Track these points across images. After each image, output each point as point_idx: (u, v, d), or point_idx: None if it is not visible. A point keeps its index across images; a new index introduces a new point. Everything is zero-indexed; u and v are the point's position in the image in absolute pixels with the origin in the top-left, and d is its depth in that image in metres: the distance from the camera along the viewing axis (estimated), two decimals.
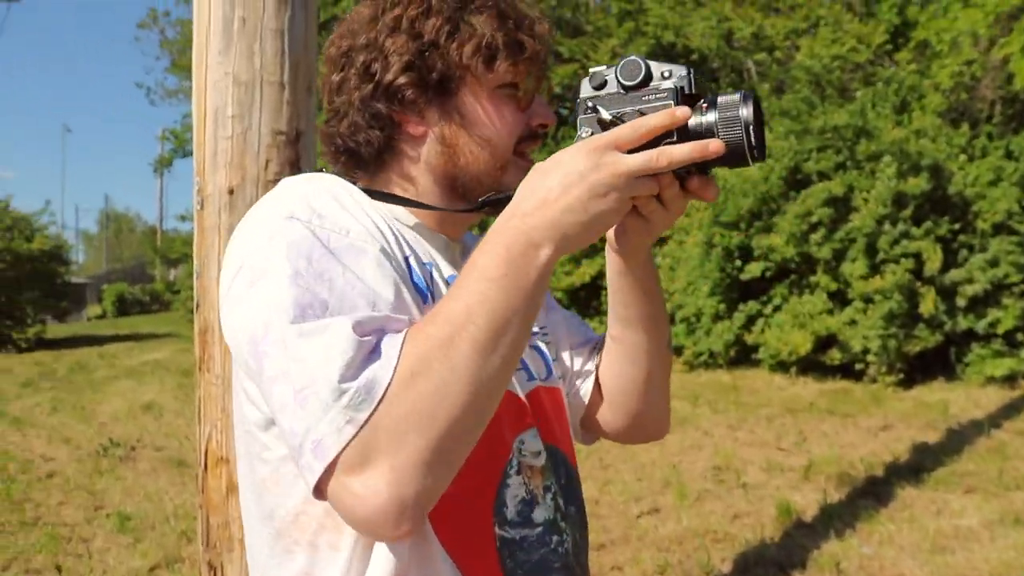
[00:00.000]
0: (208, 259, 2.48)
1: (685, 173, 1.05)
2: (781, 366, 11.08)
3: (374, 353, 0.92)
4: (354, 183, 1.22)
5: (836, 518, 5.34)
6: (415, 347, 0.92)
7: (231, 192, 2.45)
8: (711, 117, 1.03)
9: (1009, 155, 10.86)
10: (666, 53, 14.04)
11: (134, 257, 62.56)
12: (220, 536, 2.50)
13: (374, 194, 1.19)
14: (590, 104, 1.08)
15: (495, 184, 1.17)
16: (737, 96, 1.03)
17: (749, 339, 11.51)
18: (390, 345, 0.92)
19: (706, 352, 11.79)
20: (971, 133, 11.15)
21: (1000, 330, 10.04)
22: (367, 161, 1.22)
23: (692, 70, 1.08)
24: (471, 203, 1.18)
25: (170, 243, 37.07)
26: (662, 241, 13.04)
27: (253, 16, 2.40)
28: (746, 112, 1.01)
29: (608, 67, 1.10)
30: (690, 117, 1.02)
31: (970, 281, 10.09)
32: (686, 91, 1.06)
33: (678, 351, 12.42)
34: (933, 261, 9.95)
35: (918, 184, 10.06)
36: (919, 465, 6.52)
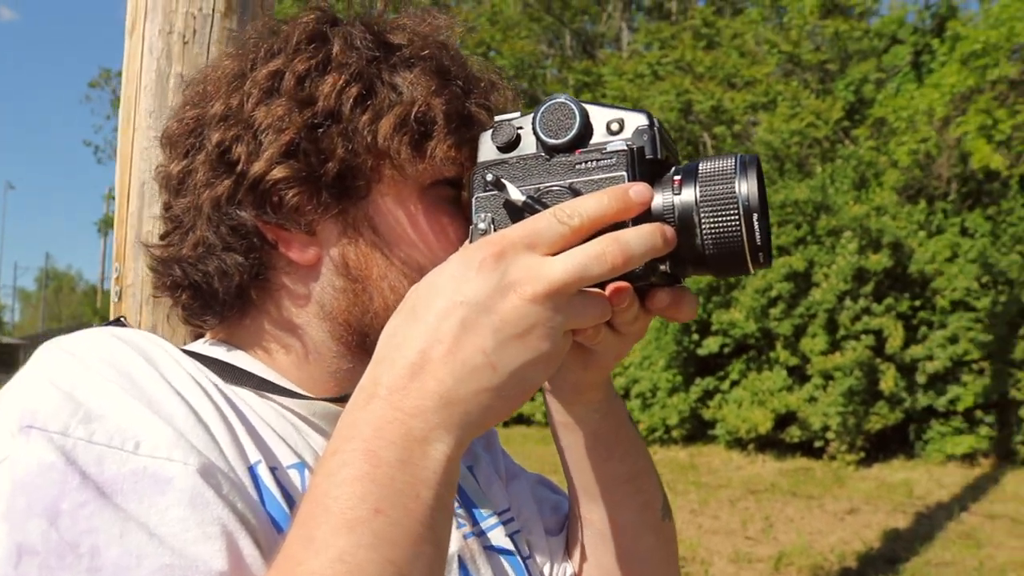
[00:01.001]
0: None
1: (647, 285, 0.67)
2: (738, 443, 10.85)
3: None
4: (201, 335, 0.83)
5: None
6: None
7: None
8: (689, 195, 0.65)
9: (964, 232, 10.91)
10: None
11: (73, 316, 61.05)
12: None
13: (209, 364, 0.75)
14: (490, 176, 0.69)
15: None
16: (730, 162, 0.65)
17: (706, 414, 11.29)
18: None
19: (661, 427, 11.53)
20: (928, 209, 11.19)
21: (960, 407, 9.98)
22: (222, 302, 0.78)
23: (657, 121, 0.69)
24: None
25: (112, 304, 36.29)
26: None
27: (194, 72, 1.99)
28: (746, 188, 0.64)
29: (523, 115, 0.73)
30: (652, 198, 0.65)
31: (930, 358, 10.03)
32: (647, 154, 0.67)
33: None
34: (895, 338, 9.86)
35: (880, 260, 10.01)
36: (892, 554, 6.23)
